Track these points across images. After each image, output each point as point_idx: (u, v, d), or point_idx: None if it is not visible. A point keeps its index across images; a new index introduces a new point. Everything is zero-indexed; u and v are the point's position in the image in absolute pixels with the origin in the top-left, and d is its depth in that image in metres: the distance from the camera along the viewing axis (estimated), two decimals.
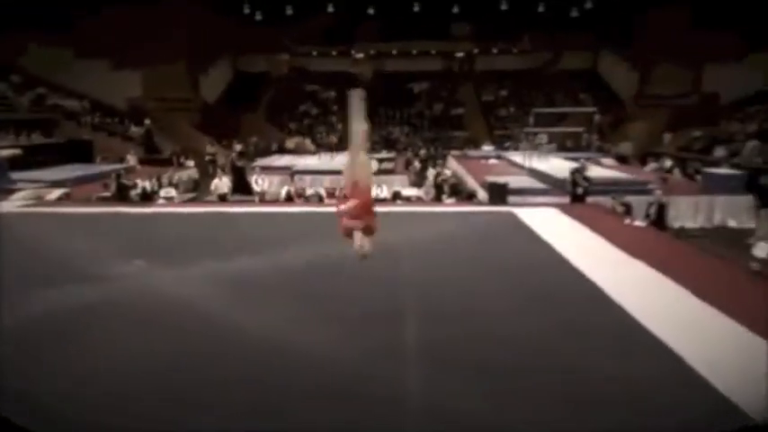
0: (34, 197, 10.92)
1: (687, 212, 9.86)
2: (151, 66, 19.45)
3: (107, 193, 11.30)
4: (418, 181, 14.07)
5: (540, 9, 21.80)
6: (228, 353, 4.40)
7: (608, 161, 15.09)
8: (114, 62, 18.28)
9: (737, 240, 9.04)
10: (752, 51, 14.78)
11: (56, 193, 11.32)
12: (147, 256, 6.52)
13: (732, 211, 9.94)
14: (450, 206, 10.61)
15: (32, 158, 13.69)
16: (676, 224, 10.01)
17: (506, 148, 19.20)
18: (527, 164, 14.25)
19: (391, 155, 16.96)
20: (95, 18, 17.24)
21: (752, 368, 4.28)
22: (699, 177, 11.44)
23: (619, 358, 4.39)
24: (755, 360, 4.41)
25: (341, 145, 20.04)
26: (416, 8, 22.91)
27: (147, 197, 11.59)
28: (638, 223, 9.03)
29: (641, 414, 3.66)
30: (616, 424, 3.67)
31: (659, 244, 8.09)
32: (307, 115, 23.86)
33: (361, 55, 25.99)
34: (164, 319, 5.00)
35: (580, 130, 17.66)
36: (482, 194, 11.26)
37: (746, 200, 9.96)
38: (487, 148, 19.43)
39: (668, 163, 13.63)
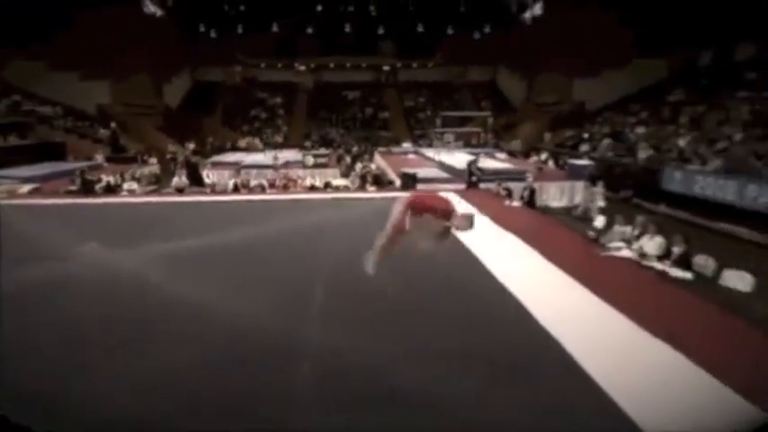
0: (7, 191, 10.81)
1: (555, 195, 10.44)
2: (119, 76, 19.20)
3: (73, 187, 11.26)
4: (347, 173, 14.34)
5: (450, 31, 22.40)
6: (157, 312, 4.58)
7: (501, 155, 15.69)
8: (85, 73, 17.97)
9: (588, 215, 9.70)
10: (605, 68, 15.74)
11: (26, 187, 11.22)
12: (102, 239, 6.63)
13: (592, 194, 10.57)
14: (370, 193, 10.95)
15: (8, 158, 13.46)
16: (547, 203, 10.60)
17: (421, 145, 19.48)
18: (436, 158, 14.73)
19: (327, 151, 17.24)
20: (68, 33, 16.86)
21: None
22: (566, 167, 12.12)
23: (485, 318, 4.80)
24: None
25: (285, 143, 20.33)
26: (348, 28, 23.13)
27: (111, 190, 11.57)
28: (515, 204, 9.56)
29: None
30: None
31: (528, 219, 8.64)
32: (257, 119, 23.83)
33: (303, 67, 26.05)
34: (105, 287, 5.17)
35: (479, 130, 18.32)
36: (398, 183, 11.64)
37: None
38: (407, 145, 19.86)
39: (544, 156, 14.33)
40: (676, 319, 5.34)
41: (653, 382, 4.03)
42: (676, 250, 7.88)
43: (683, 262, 7.63)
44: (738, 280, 7.18)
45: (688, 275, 7.31)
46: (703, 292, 6.83)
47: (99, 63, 17.56)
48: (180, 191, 12.06)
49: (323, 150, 17.11)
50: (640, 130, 10.54)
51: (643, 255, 7.96)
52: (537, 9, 13.61)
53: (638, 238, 8.31)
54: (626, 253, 8.01)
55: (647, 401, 3.88)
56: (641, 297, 5.57)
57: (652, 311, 5.15)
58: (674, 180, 9.23)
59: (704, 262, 7.59)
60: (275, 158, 14.87)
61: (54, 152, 15.18)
